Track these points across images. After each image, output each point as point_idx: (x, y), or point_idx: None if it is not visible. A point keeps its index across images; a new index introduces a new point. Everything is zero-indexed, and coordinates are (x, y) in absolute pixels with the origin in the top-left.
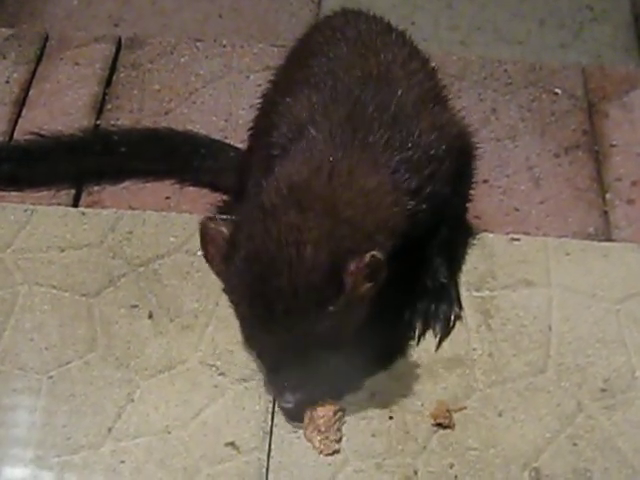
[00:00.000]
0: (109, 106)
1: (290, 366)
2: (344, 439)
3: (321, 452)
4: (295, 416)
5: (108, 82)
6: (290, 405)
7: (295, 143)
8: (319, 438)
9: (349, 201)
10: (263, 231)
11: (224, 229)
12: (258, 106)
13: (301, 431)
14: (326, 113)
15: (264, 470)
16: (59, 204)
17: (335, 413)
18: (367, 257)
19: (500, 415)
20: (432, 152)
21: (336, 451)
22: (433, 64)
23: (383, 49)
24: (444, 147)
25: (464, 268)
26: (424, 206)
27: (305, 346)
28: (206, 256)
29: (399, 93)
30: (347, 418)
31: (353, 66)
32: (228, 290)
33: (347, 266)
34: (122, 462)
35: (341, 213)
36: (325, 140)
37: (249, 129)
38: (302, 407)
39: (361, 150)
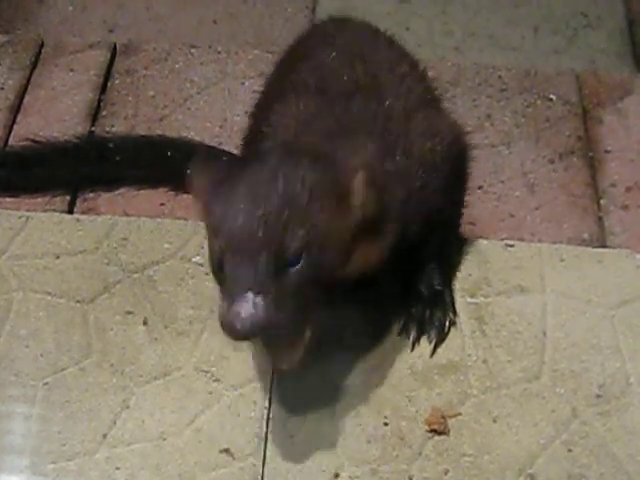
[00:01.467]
0: (104, 112)
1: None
2: (339, 445)
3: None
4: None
5: (103, 88)
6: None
7: None
8: None
9: None
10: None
11: (218, 162)
12: (250, 113)
13: (296, 437)
14: (308, 130)
15: (259, 477)
16: (54, 210)
17: None
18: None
19: (495, 421)
20: (425, 160)
21: None
22: (423, 67)
23: (372, 55)
24: (438, 156)
25: (458, 274)
26: (415, 217)
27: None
28: (193, 187)
29: (387, 102)
30: (342, 424)
31: (342, 73)
32: (213, 220)
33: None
34: (117, 468)
35: None
36: None
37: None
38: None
39: None
